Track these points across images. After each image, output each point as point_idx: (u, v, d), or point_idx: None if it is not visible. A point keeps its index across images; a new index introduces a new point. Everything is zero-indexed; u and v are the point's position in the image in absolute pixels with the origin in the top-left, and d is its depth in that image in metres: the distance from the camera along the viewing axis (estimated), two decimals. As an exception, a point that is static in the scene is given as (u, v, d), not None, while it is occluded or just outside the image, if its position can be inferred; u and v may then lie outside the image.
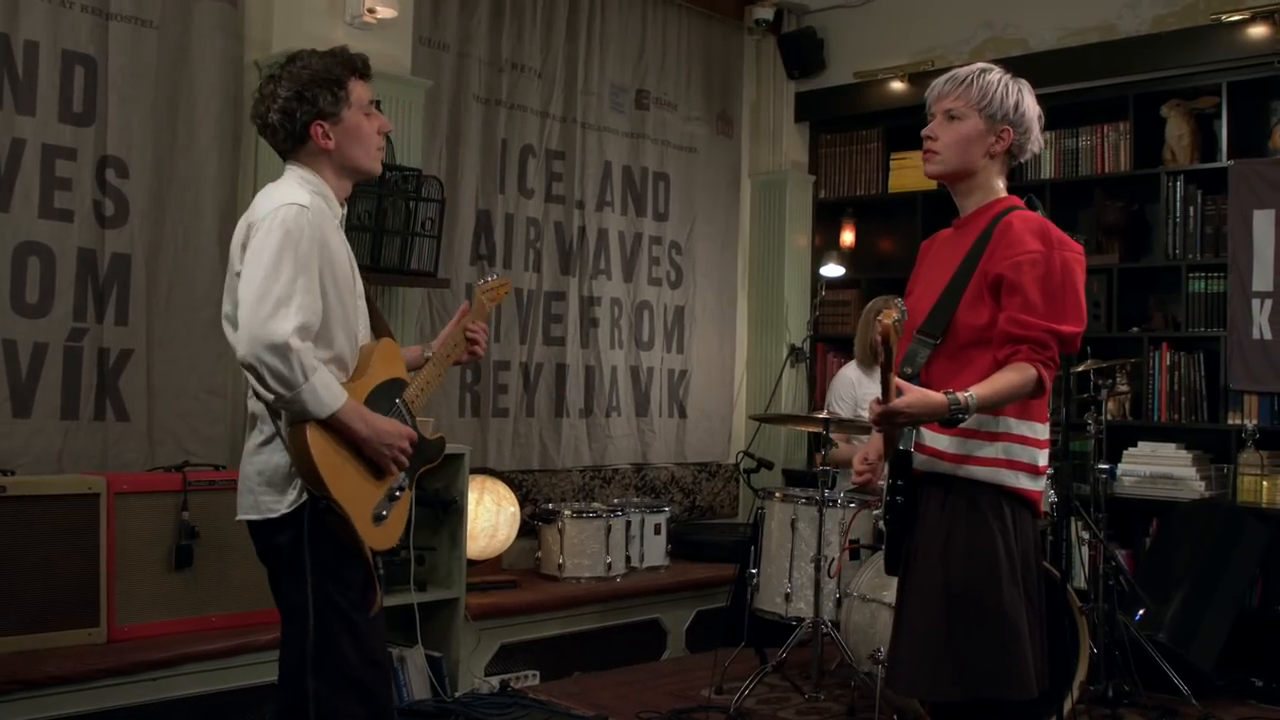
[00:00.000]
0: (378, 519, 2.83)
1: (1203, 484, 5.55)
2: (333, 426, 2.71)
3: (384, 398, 2.88)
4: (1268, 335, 5.48)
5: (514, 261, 5.98)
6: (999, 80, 2.89)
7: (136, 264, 4.61)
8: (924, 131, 2.94)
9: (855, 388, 5.62)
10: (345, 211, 2.98)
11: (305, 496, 2.73)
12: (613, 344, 6.46)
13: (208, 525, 4.28)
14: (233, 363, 4.75)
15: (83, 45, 4.48)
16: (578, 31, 6.25)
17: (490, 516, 5.37)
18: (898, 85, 6.77)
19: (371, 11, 4.96)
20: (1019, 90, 2.91)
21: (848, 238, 7.21)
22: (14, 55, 4.31)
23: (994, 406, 2.69)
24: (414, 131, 5.14)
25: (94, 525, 4.07)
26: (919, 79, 6.67)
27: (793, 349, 7.04)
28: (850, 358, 5.81)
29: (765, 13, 6.95)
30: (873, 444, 3.02)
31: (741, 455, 5.69)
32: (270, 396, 2.66)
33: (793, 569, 4.99)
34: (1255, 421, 5.48)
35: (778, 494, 5.21)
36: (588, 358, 6.33)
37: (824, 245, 7.20)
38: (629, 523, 5.83)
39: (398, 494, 2.90)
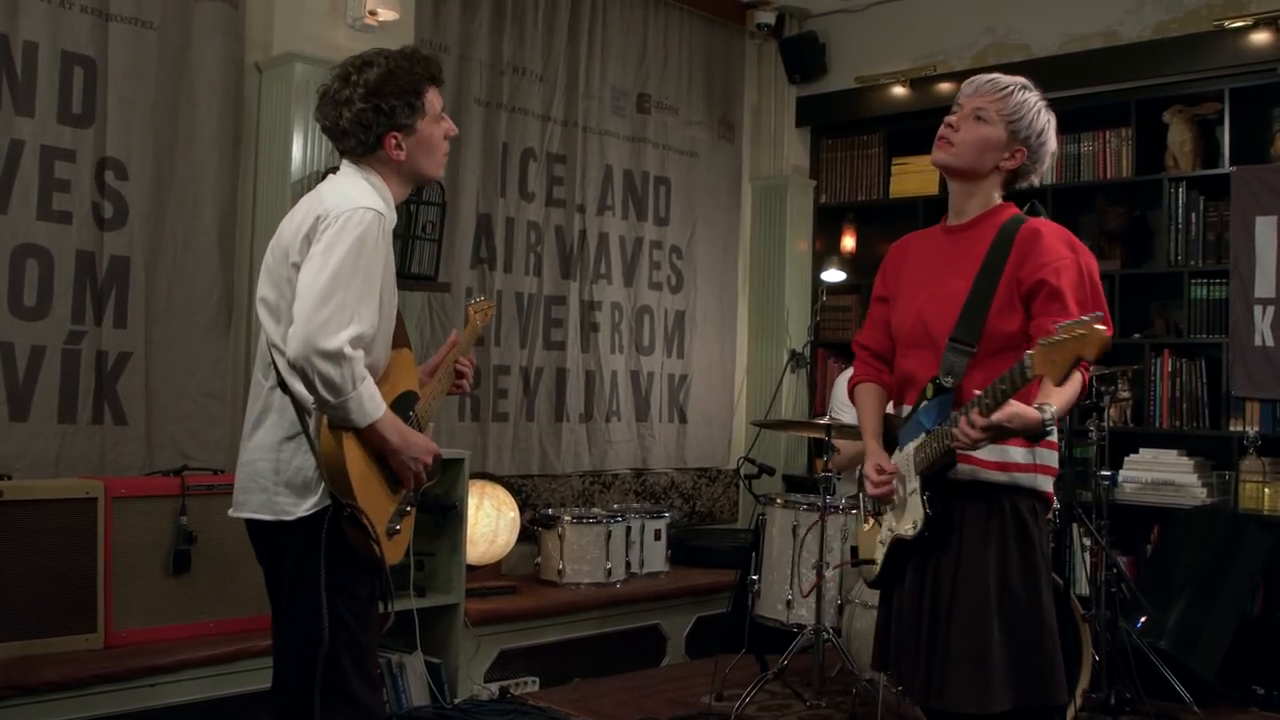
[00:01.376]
0: (391, 533, 2.79)
1: (1204, 491, 5.54)
2: (368, 436, 2.67)
3: (401, 410, 2.85)
4: (1269, 342, 5.46)
5: (514, 265, 5.96)
6: (1035, 103, 2.93)
7: (135, 266, 4.59)
8: (947, 119, 2.93)
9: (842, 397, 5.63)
10: (396, 219, 2.91)
11: (327, 503, 2.67)
12: (613, 348, 6.44)
13: (206, 530, 4.26)
14: (233, 366, 4.79)
15: (82, 46, 4.45)
16: (579, 35, 6.24)
17: (490, 522, 5.36)
18: (899, 90, 6.76)
19: (373, 14, 4.94)
20: (1049, 121, 2.95)
21: (848, 243, 7.20)
22: (13, 56, 4.29)
23: (1063, 415, 2.72)
24: (415, 135, 5.12)
25: (91, 530, 4.04)
26: (920, 84, 6.67)
27: (793, 354, 7.02)
28: (839, 361, 5.80)
29: (767, 17, 6.94)
30: (880, 455, 2.97)
31: (742, 461, 5.66)
32: (313, 400, 2.61)
33: (794, 575, 4.97)
34: (1257, 428, 5.46)
35: (779, 500, 5.19)
36: (588, 362, 6.32)
37: (825, 250, 7.19)
38: (629, 528, 5.81)
39: (407, 510, 2.87)
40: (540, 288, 6.09)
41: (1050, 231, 2.83)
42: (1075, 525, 4.97)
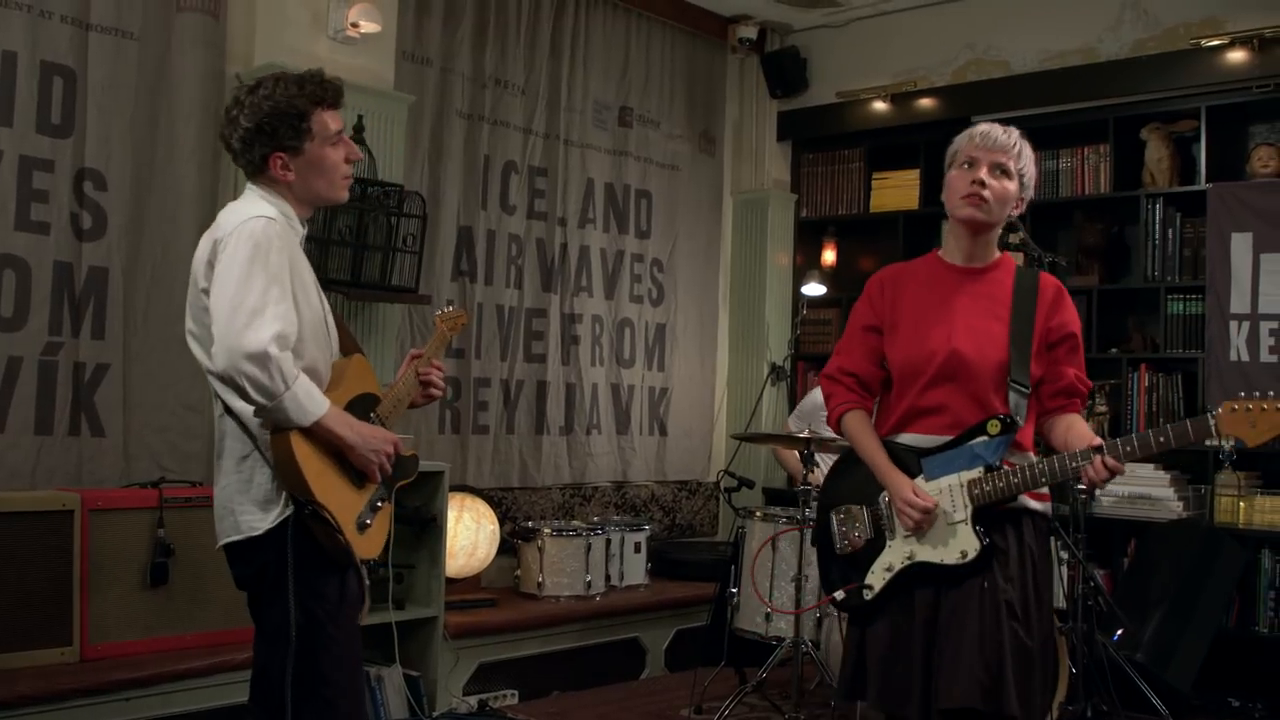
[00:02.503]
0: (361, 527, 2.80)
1: (1180, 505, 5.57)
2: (317, 434, 2.68)
3: (359, 411, 2.87)
4: (1245, 357, 5.50)
5: (495, 278, 5.96)
6: (1031, 154, 3.10)
7: (114, 278, 4.58)
8: (979, 176, 2.99)
9: (819, 410, 5.63)
10: (306, 232, 2.96)
11: (290, 511, 2.69)
12: (594, 361, 6.45)
13: (183, 542, 4.24)
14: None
15: (62, 56, 4.44)
16: (561, 48, 6.25)
17: (469, 534, 5.35)
18: (880, 105, 6.79)
19: (355, 26, 4.95)
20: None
21: (829, 257, 7.22)
22: (-8, 66, 4.28)
23: None
24: (396, 146, 5.13)
25: (67, 542, 4.02)
26: (901, 99, 6.70)
27: (774, 367, 7.04)
28: (819, 375, 5.81)
29: (748, 32, 6.97)
30: (909, 484, 2.97)
31: (722, 474, 5.67)
32: (252, 408, 2.64)
33: (773, 588, 4.97)
34: (1232, 443, 5.49)
35: (758, 513, 5.20)
36: (568, 375, 6.32)
37: (805, 264, 7.22)
38: (609, 541, 5.81)
39: (379, 504, 2.87)
40: (521, 300, 6.09)
41: (1060, 290, 3.07)
42: (1053, 539, 4.98)
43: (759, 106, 7.22)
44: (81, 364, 4.49)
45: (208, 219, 4.72)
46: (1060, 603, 5.24)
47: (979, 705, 2.81)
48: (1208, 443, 5.54)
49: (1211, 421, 2.59)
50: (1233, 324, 5.55)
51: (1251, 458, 5.53)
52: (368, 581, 2.88)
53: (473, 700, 5.03)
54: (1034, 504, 2.96)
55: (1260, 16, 5.51)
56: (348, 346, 3.01)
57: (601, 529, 5.79)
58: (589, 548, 5.64)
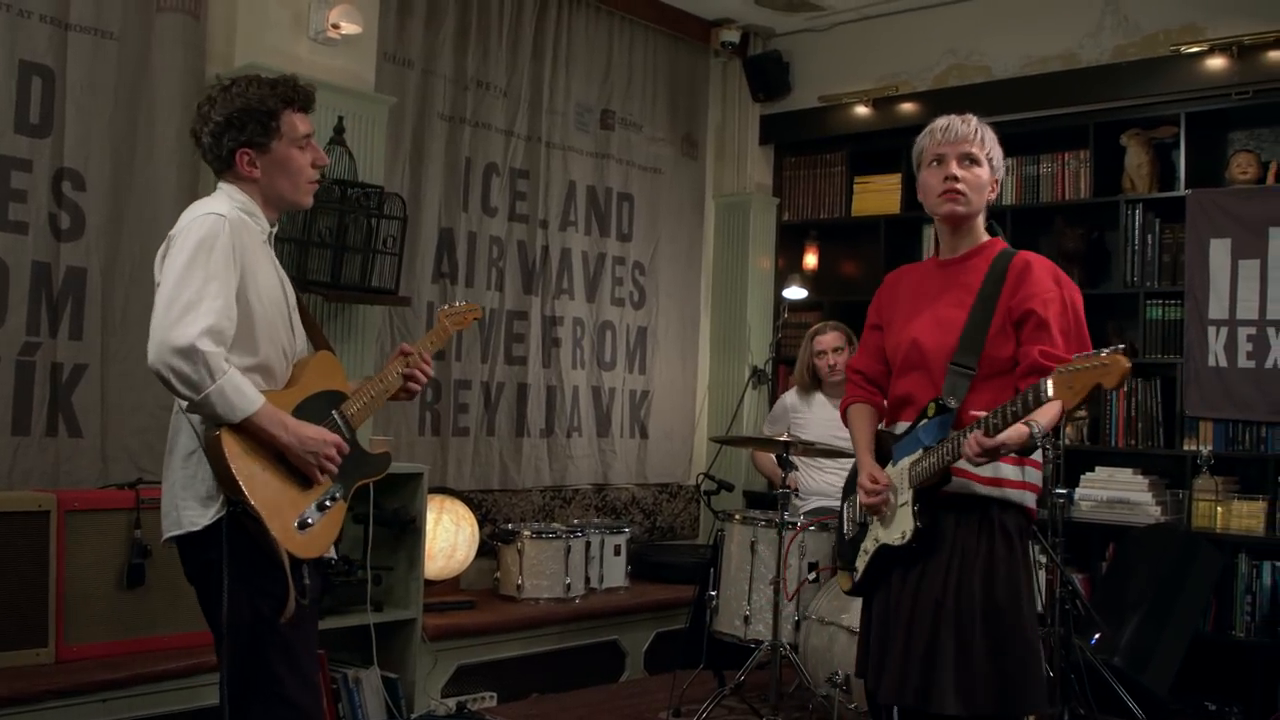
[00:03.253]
0: (302, 526, 2.78)
1: (1158, 509, 5.60)
2: (250, 432, 2.68)
3: (318, 408, 2.86)
4: (1223, 363, 5.53)
5: (476, 280, 5.96)
6: (992, 135, 3.12)
7: (92, 278, 4.56)
8: (950, 172, 3.04)
9: (790, 414, 5.67)
10: (275, 229, 2.98)
11: (227, 508, 2.70)
12: (575, 364, 6.45)
13: (160, 544, 4.21)
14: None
15: (40, 56, 4.42)
16: (543, 51, 6.25)
17: (449, 536, 5.34)
18: (862, 110, 6.81)
19: (335, 27, 4.94)
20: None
21: (811, 260, 7.24)
22: (-30, 65, 4.26)
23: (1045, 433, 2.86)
24: (377, 148, 5.12)
25: (44, 543, 4.00)
26: (883, 104, 6.72)
27: (755, 371, 7.05)
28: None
29: (731, 35, 6.99)
30: (874, 467, 3.10)
31: (702, 477, 5.68)
32: (183, 403, 2.66)
33: (752, 591, 4.98)
34: (1210, 448, 5.53)
35: (737, 516, 5.21)
36: (549, 377, 6.32)
37: (787, 267, 7.23)
38: (589, 543, 5.81)
39: (328, 504, 2.86)
40: (502, 303, 6.09)
41: (1039, 265, 3.02)
42: (1031, 543, 4.99)
43: (741, 110, 7.23)
44: (59, 364, 4.47)
45: (186, 220, 4.76)
46: (1039, 607, 5.28)
47: (909, 704, 2.90)
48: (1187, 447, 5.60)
49: (1046, 385, 2.61)
50: (1211, 329, 5.58)
51: (1229, 463, 5.56)
52: (306, 582, 2.82)
53: (451, 702, 5.02)
54: (981, 489, 2.94)
55: (1239, 24, 5.54)
56: (319, 344, 3.01)
57: (581, 531, 5.79)
58: (569, 550, 5.64)
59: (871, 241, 6.89)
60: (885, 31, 6.78)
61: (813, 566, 4.89)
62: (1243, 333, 5.50)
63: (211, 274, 2.66)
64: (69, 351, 4.49)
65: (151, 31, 4.72)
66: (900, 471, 3.03)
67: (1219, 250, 5.59)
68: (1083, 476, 5.82)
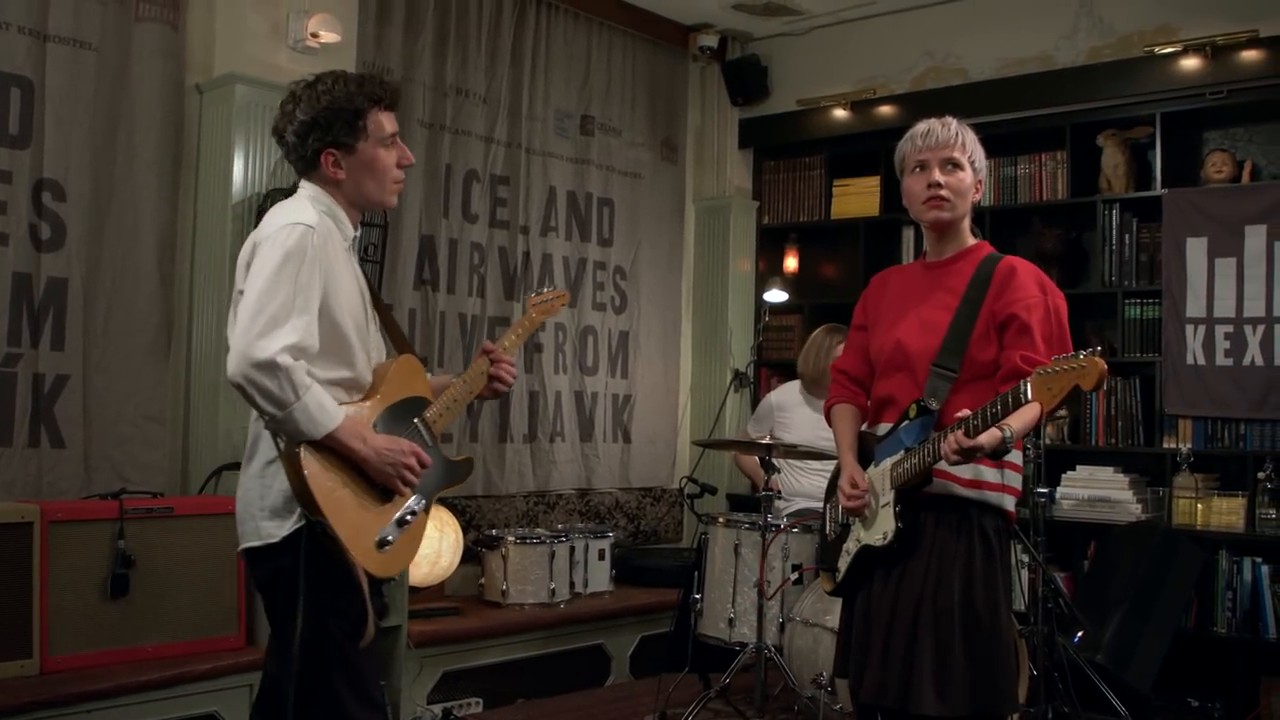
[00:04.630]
0: (381, 544, 2.73)
1: (1139, 507, 5.63)
2: (331, 447, 2.64)
3: (401, 417, 2.82)
4: (1201, 361, 5.57)
5: (458, 286, 5.97)
6: (973, 136, 3.14)
7: (74, 288, 4.55)
8: (934, 178, 3.07)
9: (775, 413, 5.67)
10: (359, 233, 2.92)
11: (304, 521, 2.66)
12: (557, 369, 6.45)
13: (144, 554, 4.21)
14: (172, 388, 4.77)
15: (19, 67, 4.42)
16: (522, 57, 6.26)
17: (433, 543, 5.34)
18: (840, 113, 6.84)
19: (315, 36, 4.95)
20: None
21: (791, 263, 7.27)
22: (-51, 77, 4.26)
23: (1020, 438, 2.87)
24: (357, 156, 5.11)
25: (27, 554, 3.98)
26: (861, 106, 6.76)
27: (737, 374, 7.07)
28: (782, 381, 5.85)
29: (709, 40, 7.01)
30: (855, 469, 3.11)
31: (685, 481, 5.69)
32: (264, 418, 2.61)
33: (736, 594, 4.99)
34: (1189, 445, 5.57)
35: (721, 519, 5.22)
36: (532, 383, 6.32)
37: (767, 271, 7.26)
38: (573, 548, 5.82)
39: (409, 519, 2.80)
40: (484, 309, 6.09)
41: (1024, 270, 3.04)
42: (1013, 542, 5.02)
43: (720, 114, 7.26)
44: (41, 375, 4.46)
45: (167, 229, 4.77)
46: (1021, 605, 5.31)
47: (889, 704, 2.92)
48: (1166, 446, 5.64)
49: (1025, 387, 2.64)
50: (1189, 328, 5.62)
51: (1209, 460, 5.60)
52: (385, 600, 2.81)
53: (437, 709, 5.02)
54: (961, 490, 2.96)
55: (1213, 24, 5.59)
56: (400, 347, 2.95)
57: (565, 536, 5.79)
58: (553, 555, 5.64)
59: (851, 244, 6.92)
60: (862, 35, 6.82)
61: (796, 568, 4.90)
62: (1220, 331, 5.54)
63: (299, 288, 2.62)
64: (51, 362, 4.49)
65: (130, 42, 4.71)
66: (882, 473, 3.05)
67: (1195, 249, 5.63)
68: (1064, 475, 5.85)
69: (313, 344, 2.64)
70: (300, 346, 2.60)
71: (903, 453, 2.97)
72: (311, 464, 2.61)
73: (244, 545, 2.78)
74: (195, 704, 4.16)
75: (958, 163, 3.07)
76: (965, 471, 2.92)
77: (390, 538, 2.75)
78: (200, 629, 4.34)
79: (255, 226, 4.71)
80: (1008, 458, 2.99)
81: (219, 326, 4.75)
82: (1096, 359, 2.54)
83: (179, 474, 4.84)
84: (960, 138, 3.09)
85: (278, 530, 2.69)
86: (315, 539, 2.66)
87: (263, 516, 2.72)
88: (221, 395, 4.73)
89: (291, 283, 2.61)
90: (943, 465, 2.89)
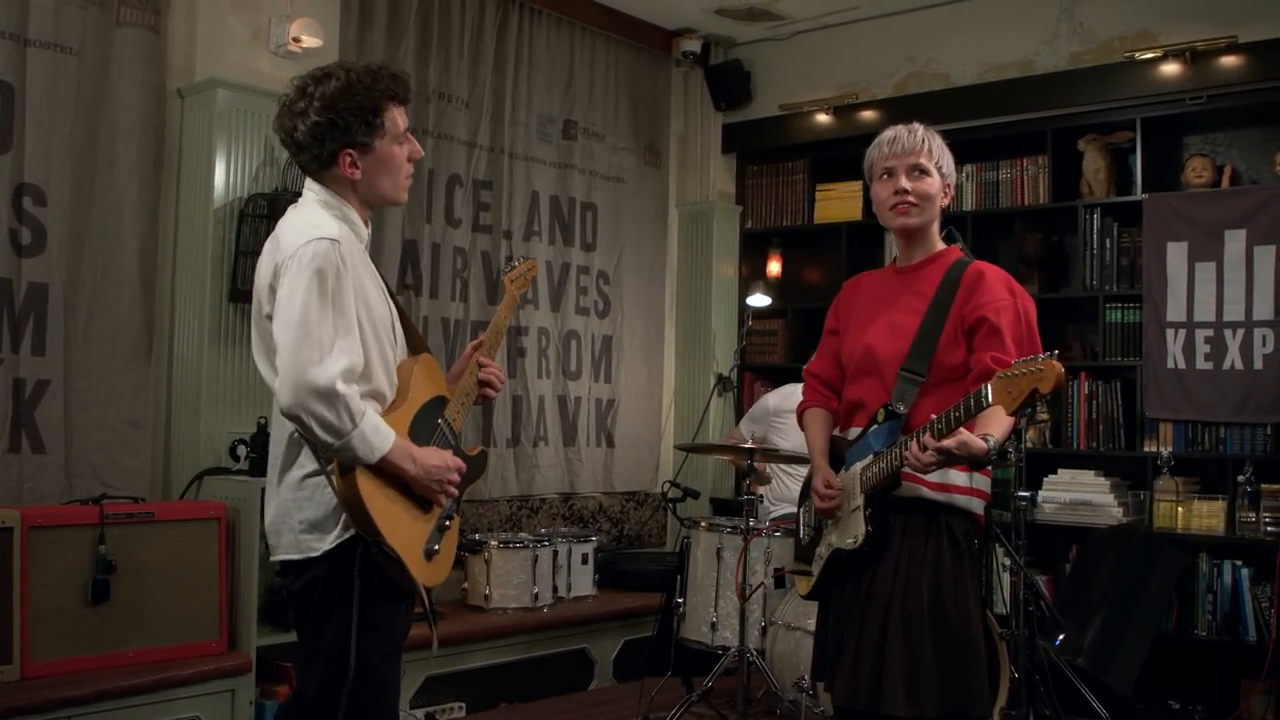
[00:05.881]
0: (429, 554, 2.74)
1: (1120, 510, 5.65)
2: (383, 467, 2.61)
3: (428, 420, 2.80)
4: (1181, 364, 5.60)
5: (440, 291, 5.96)
6: (940, 141, 3.14)
7: (54, 294, 4.54)
8: (900, 185, 3.08)
9: (770, 417, 5.69)
10: (370, 232, 2.85)
11: (350, 533, 2.62)
12: (540, 373, 6.46)
13: (125, 559, 4.20)
14: (153, 394, 4.75)
15: (0, 72, 4.41)
16: (505, 62, 6.26)
17: (416, 547, 5.33)
18: (823, 118, 6.86)
19: (296, 40, 4.95)
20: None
21: (774, 268, 7.28)
22: (-72, 82, 4.25)
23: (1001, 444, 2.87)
24: (339, 161, 5.11)
25: (7, 560, 3.97)
26: (843, 111, 6.78)
27: (720, 378, 7.08)
28: (766, 385, 5.87)
29: (692, 45, 7.02)
30: (828, 472, 3.12)
31: (668, 485, 5.70)
32: (318, 447, 2.57)
33: (718, 598, 5.00)
34: (1170, 449, 5.59)
35: (703, 523, 5.23)
36: (515, 387, 6.32)
37: (751, 275, 7.27)
38: (556, 552, 5.82)
39: (447, 524, 2.82)
40: (466, 314, 6.09)
41: (993, 274, 3.05)
42: (995, 545, 5.05)
43: (703, 119, 7.27)
44: (22, 380, 4.45)
45: (148, 234, 4.77)
46: (1002, 608, 5.33)
47: (860, 706, 2.93)
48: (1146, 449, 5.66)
49: (986, 390, 2.66)
50: (1169, 332, 5.65)
51: (1189, 464, 5.63)
52: (438, 608, 2.81)
53: (420, 713, 5.02)
54: (929, 493, 2.96)
55: (1192, 30, 5.62)
56: (417, 347, 2.91)
57: (549, 541, 5.79)
58: (536, 559, 5.65)
59: (834, 248, 6.94)
60: (844, 40, 6.84)
61: (777, 571, 4.91)
62: (1200, 335, 5.57)
63: (339, 309, 2.56)
64: (31, 367, 4.47)
65: (111, 46, 4.70)
66: (852, 476, 3.06)
67: (1176, 253, 5.66)
68: (1045, 479, 5.87)
69: (359, 363, 2.59)
70: (351, 369, 2.55)
71: (871, 457, 2.99)
72: (368, 486, 2.59)
73: (281, 557, 2.74)
74: (177, 709, 4.15)
75: (924, 169, 3.09)
76: (933, 475, 2.93)
77: (436, 547, 2.77)
78: (182, 634, 4.33)
79: (237, 233, 4.73)
80: None
81: (200, 331, 4.76)
82: (1054, 362, 2.56)
83: (160, 479, 4.83)
84: (927, 144, 3.10)
85: (318, 544, 2.65)
86: (367, 555, 2.62)
87: (302, 529, 2.66)
88: (203, 400, 4.73)
89: (330, 303, 2.55)
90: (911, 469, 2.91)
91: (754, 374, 7.21)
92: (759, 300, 6.99)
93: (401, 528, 2.66)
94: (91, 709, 3.99)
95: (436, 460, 2.72)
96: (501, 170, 6.25)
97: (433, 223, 5.94)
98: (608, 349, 6.85)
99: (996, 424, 2.76)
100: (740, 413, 7.06)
